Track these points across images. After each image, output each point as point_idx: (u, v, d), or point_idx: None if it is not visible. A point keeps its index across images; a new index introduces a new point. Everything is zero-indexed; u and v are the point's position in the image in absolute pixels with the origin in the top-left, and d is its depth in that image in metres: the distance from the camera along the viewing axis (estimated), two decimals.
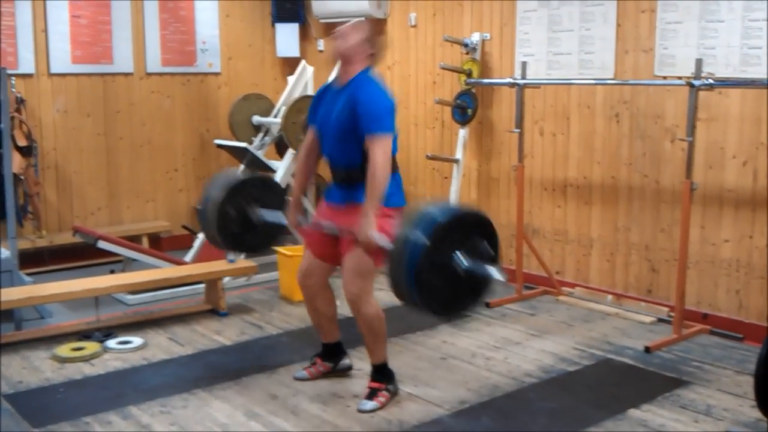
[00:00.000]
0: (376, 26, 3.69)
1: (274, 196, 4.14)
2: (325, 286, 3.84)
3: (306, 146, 3.81)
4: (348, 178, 3.59)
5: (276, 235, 4.14)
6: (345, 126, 3.50)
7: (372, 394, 3.64)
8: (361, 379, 3.90)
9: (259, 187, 4.09)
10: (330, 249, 3.67)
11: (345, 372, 4.00)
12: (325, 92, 3.73)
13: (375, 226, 3.32)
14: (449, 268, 3.04)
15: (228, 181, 4.02)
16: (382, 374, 3.70)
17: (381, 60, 3.70)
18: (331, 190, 3.72)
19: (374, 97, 3.49)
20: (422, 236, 2.98)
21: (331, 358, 3.98)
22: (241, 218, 3.97)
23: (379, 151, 3.39)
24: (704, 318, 4.72)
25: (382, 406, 3.62)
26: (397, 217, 3.53)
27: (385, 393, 3.66)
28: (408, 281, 3.01)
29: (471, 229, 3.11)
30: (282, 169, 5.97)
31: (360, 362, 4.01)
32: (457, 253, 3.04)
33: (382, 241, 3.26)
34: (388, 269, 3.09)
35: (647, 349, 4.33)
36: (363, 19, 3.68)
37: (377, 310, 3.62)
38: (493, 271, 3.03)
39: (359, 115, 3.43)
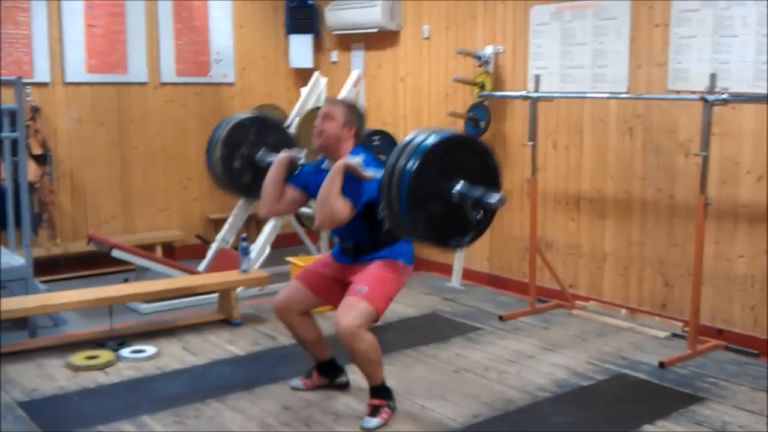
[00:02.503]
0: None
1: (275, 132, 4.14)
2: (305, 314, 3.86)
3: (284, 200, 3.80)
4: (356, 251, 3.68)
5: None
6: None
7: (375, 411, 3.61)
8: None
9: (257, 128, 4.09)
10: (329, 286, 3.74)
11: (342, 388, 3.98)
12: (317, 172, 3.73)
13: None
14: (444, 195, 2.97)
15: (224, 132, 4.01)
16: (382, 391, 3.68)
17: (363, 132, 3.76)
18: (338, 251, 3.80)
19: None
20: (411, 162, 2.93)
21: (326, 374, 3.98)
22: (249, 166, 4.00)
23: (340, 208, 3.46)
24: (719, 333, 4.70)
25: (386, 422, 3.59)
26: (404, 272, 3.64)
27: (387, 409, 3.63)
28: (401, 210, 2.96)
29: (465, 154, 3.05)
30: None
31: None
32: (451, 178, 2.98)
33: (357, 160, 3.42)
34: (382, 201, 3.06)
35: (662, 365, 4.31)
36: (334, 101, 3.76)
37: (371, 341, 3.53)
38: (488, 195, 2.96)
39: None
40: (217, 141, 4.01)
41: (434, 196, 2.99)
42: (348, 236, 3.72)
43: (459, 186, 3.00)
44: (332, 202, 3.43)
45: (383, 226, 3.53)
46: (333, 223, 3.50)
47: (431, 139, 2.99)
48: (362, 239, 3.65)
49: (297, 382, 4.01)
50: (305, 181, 3.79)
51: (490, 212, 3.14)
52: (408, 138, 3.08)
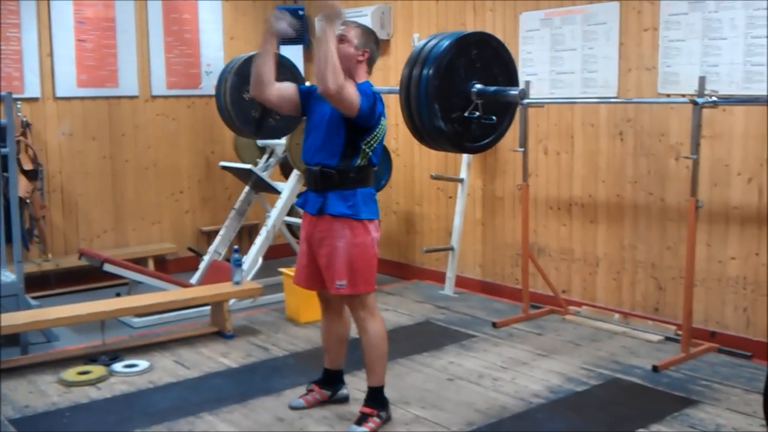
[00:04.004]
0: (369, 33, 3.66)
1: (288, 73, 4.05)
2: (342, 311, 3.83)
3: (279, 88, 3.63)
4: (322, 181, 3.51)
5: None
6: (333, 119, 3.46)
7: (362, 419, 3.60)
8: None
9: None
10: (319, 278, 3.66)
11: (342, 402, 3.92)
12: (322, 100, 3.53)
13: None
14: (462, 97, 2.96)
15: (238, 63, 3.99)
16: (377, 400, 3.66)
17: (377, 58, 3.65)
18: (305, 198, 3.66)
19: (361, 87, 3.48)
20: (426, 70, 2.91)
21: (329, 385, 3.92)
22: (259, 102, 3.87)
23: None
24: (712, 336, 4.70)
25: None
26: (372, 228, 3.55)
27: (376, 419, 3.60)
28: (423, 120, 2.94)
29: (478, 51, 3.03)
30: (287, 190, 5.98)
31: (364, 383, 3.96)
32: (468, 79, 2.97)
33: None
34: (403, 113, 3.03)
35: (655, 368, 4.31)
36: (349, 24, 3.63)
37: (382, 329, 3.62)
38: (507, 90, 2.95)
39: None
40: (230, 71, 3.97)
41: (453, 99, 2.97)
42: (318, 153, 3.53)
43: (476, 86, 2.99)
44: (336, 65, 3.23)
45: (358, 158, 3.49)
46: (338, 88, 3.23)
47: (443, 43, 2.96)
48: (331, 163, 3.49)
49: (298, 401, 3.90)
50: (308, 95, 3.62)
51: (511, 111, 3.14)
52: (420, 45, 3.05)
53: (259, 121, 3.99)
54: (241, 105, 3.98)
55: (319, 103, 3.54)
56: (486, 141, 3.18)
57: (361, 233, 3.52)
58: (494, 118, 3.09)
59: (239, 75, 3.97)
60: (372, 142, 3.52)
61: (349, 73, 3.50)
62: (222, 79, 4.04)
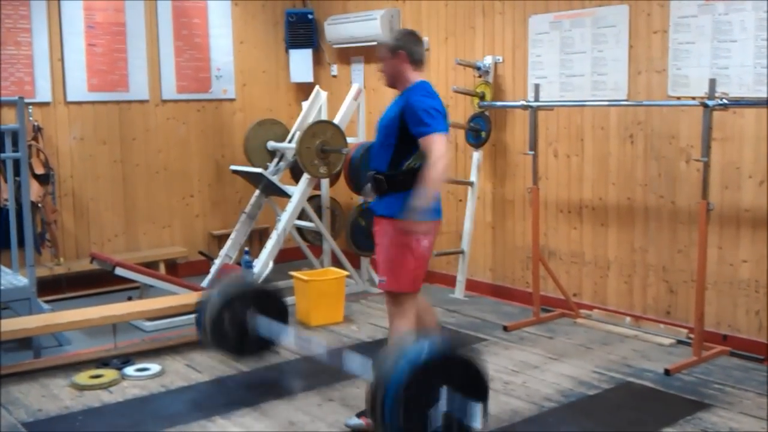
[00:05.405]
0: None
1: (274, 306, 4.26)
2: (427, 305, 3.93)
3: None
4: (376, 185, 3.60)
5: (266, 348, 4.27)
6: (389, 128, 3.54)
7: (364, 412, 3.58)
8: None
9: (260, 296, 4.25)
10: None
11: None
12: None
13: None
14: (429, 411, 2.92)
15: (228, 287, 4.19)
16: None
17: (423, 58, 3.66)
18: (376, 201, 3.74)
19: (421, 99, 3.49)
20: (400, 376, 2.89)
21: None
22: (237, 324, 4.11)
23: (435, 147, 3.36)
24: (724, 339, 4.69)
25: (368, 427, 3.54)
26: (430, 232, 3.56)
27: None
28: (385, 421, 2.91)
29: (456, 370, 3.02)
30: (297, 193, 5.99)
31: None
32: (436, 396, 2.92)
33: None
34: (369, 400, 3.01)
35: (667, 372, 4.30)
36: (378, 45, 3.75)
37: (409, 325, 3.64)
38: (471, 416, 2.94)
39: (407, 119, 3.45)
40: (218, 289, 4.22)
41: (420, 411, 2.93)
42: (373, 161, 3.67)
43: (442, 402, 2.94)
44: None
45: (407, 159, 3.51)
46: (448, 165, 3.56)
47: (422, 356, 2.95)
48: (381, 168, 3.56)
49: (355, 420, 3.72)
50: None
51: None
52: (402, 346, 3.10)
53: (234, 341, 4.18)
54: (221, 324, 4.14)
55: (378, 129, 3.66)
56: None
57: (405, 242, 3.52)
58: None
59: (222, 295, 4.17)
60: None
61: (400, 81, 3.61)
62: (218, 296, 4.20)
